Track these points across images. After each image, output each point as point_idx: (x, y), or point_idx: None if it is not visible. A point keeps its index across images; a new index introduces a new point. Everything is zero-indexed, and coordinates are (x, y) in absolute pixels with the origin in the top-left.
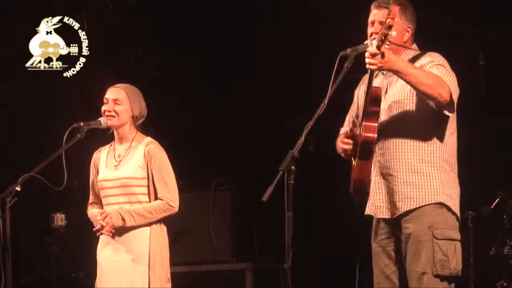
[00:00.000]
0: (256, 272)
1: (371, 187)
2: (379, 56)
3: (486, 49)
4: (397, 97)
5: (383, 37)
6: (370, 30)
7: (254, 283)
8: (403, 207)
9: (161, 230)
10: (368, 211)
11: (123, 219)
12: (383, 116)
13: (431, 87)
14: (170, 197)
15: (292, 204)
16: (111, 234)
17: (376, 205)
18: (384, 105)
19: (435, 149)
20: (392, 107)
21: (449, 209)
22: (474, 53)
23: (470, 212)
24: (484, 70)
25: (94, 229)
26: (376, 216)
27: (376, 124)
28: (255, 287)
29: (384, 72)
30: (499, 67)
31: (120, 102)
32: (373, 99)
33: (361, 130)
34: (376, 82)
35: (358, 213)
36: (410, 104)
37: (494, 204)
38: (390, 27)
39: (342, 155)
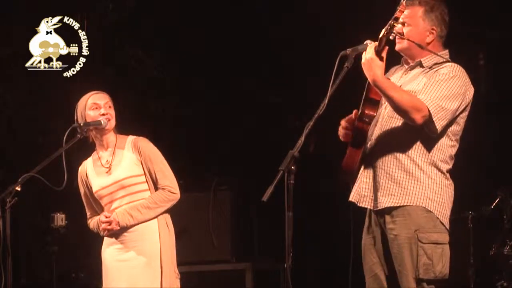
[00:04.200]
0: (256, 272)
1: (359, 174)
2: (368, 54)
3: (486, 49)
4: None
5: (389, 28)
6: None
7: (254, 283)
8: (384, 202)
9: (168, 226)
10: (351, 197)
11: (130, 215)
12: (385, 109)
13: (403, 114)
14: (170, 184)
15: (292, 204)
16: (118, 228)
17: (361, 194)
18: None
19: (427, 153)
20: None
21: (434, 214)
22: (474, 53)
23: (470, 212)
24: (484, 70)
25: (101, 227)
26: (358, 204)
27: (374, 114)
28: (255, 287)
29: (406, 66)
30: (499, 67)
31: (111, 105)
32: (369, 91)
33: (358, 116)
34: (399, 74)
35: (351, 210)
36: None
37: (494, 204)
38: (396, 19)
39: (341, 138)
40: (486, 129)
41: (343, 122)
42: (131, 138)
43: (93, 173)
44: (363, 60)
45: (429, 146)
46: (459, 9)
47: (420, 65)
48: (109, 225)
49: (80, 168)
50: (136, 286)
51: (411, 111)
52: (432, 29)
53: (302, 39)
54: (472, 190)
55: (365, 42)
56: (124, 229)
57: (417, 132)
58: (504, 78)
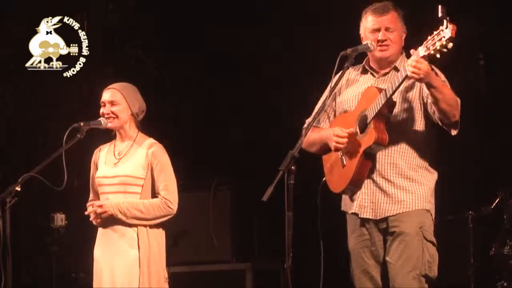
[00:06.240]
0: (256, 272)
1: None
2: (424, 64)
3: (486, 49)
4: (396, 103)
5: (441, 47)
6: (375, 36)
7: (254, 283)
8: (394, 209)
9: (152, 230)
10: (354, 210)
11: (120, 210)
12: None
13: (452, 108)
14: (171, 199)
15: (292, 204)
16: (106, 216)
17: (361, 205)
18: None
19: (425, 158)
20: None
21: (431, 216)
22: (474, 53)
23: (470, 212)
24: (484, 70)
25: (86, 212)
26: (360, 215)
27: (385, 127)
28: (255, 287)
29: (376, 75)
30: (499, 67)
31: (116, 102)
32: (392, 104)
33: (373, 130)
34: (367, 82)
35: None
36: (409, 111)
37: (494, 204)
38: (451, 39)
39: (316, 150)
40: (486, 129)
41: (340, 135)
42: (150, 140)
43: (103, 159)
44: (416, 77)
45: (425, 151)
46: (459, 9)
47: (395, 69)
48: (100, 208)
49: (95, 151)
50: (117, 286)
51: (456, 106)
52: (405, 32)
53: (302, 39)
54: (472, 190)
55: (365, 42)
56: (112, 229)
57: (417, 139)
58: (504, 78)
